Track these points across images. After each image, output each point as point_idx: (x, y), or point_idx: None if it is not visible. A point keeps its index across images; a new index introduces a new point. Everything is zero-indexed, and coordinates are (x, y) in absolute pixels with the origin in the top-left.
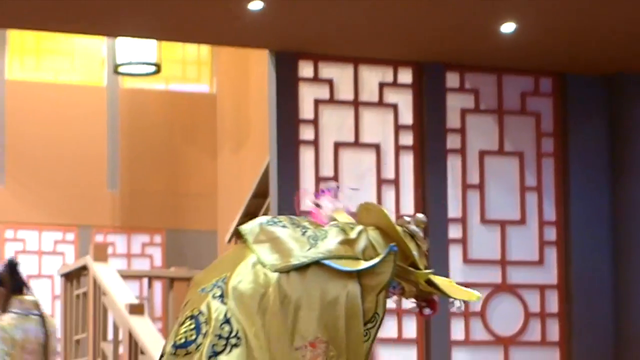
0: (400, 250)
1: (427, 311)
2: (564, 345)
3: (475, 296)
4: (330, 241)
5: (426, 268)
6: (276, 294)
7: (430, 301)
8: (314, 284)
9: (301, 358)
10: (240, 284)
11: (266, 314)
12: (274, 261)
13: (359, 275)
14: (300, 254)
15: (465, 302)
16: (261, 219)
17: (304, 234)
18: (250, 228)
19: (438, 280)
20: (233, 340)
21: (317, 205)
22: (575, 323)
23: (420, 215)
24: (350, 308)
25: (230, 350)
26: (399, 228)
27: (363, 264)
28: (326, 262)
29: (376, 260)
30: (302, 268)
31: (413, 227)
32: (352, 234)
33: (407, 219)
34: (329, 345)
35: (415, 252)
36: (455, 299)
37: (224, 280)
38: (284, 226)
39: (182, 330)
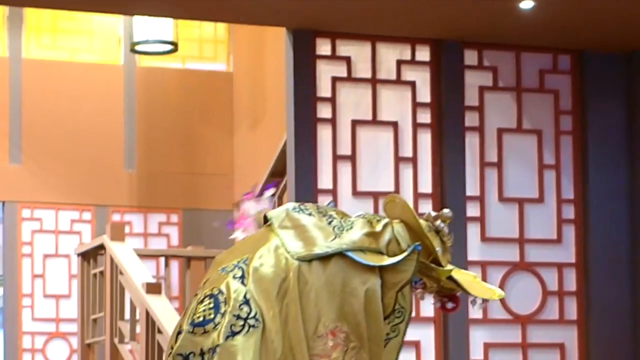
0: (423, 246)
1: (449, 305)
2: (582, 324)
3: (497, 294)
4: (355, 232)
5: (449, 264)
6: (296, 280)
7: (453, 296)
8: (335, 274)
9: (323, 345)
10: (261, 267)
11: (285, 299)
12: (297, 249)
13: (380, 270)
14: (324, 244)
15: (486, 300)
16: (288, 205)
17: (329, 223)
18: (276, 213)
19: (460, 277)
20: (251, 322)
21: (240, 210)
22: (593, 301)
23: (445, 211)
24: (369, 304)
25: (247, 331)
26: (423, 223)
27: (386, 260)
28: (349, 254)
29: (399, 257)
30: (324, 257)
31: (438, 222)
32: (378, 227)
33: (433, 214)
34: (350, 335)
35: (439, 248)
36: (476, 296)
37: (245, 261)
38: (310, 214)
39: (201, 308)
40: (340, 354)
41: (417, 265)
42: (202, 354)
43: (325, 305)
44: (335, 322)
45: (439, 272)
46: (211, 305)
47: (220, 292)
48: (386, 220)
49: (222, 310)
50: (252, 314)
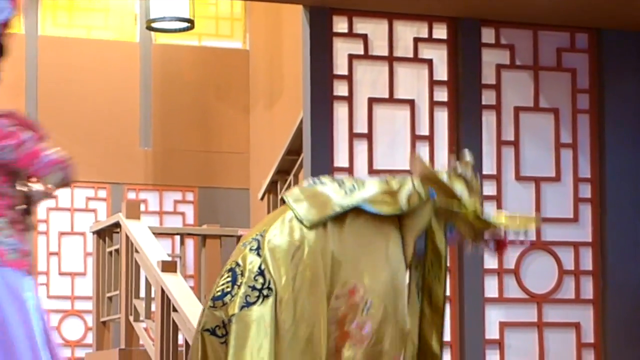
0: (443, 193)
1: (492, 246)
2: (597, 303)
3: (532, 221)
4: (368, 191)
5: (480, 204)
6: (312, 247)
7: (495, 239)
8: (351, 232)
9: (343, 305)
10: (274, 237)
11: (299, 266)
12: (310, 216)
13: (400, 222)
14: (337, 204)
15: (524, 232)
16: (304, 182)
17: (342, 186)
18: (291, 191)
19: (491, 215)
20: (265, 292)
21: None
22: (609, 281)
23: (465, 154)
24: (393, 263)
25: (262, 302)
26: (443, 172)
27: (400, 211)
28: (362, 206)
29: (413, 205)
30: (339, 218)
31: (460, 167)
32: (395, 185)
33: (454, 162)
34: (367, 292)
35: (463, 192)
36: (510, 229)
37: (261, 234)
38: (323, 183)
39: (220, 282)
40: (358, 311)
41: (432, 210)
42: (224, 325)
43: (344, 265)
44: (354, 280)
45: (464, 212)
46: (229, 278)
47: (238, 264)
48: (403, 178)
49: (239, 282)
50: (266, 284)
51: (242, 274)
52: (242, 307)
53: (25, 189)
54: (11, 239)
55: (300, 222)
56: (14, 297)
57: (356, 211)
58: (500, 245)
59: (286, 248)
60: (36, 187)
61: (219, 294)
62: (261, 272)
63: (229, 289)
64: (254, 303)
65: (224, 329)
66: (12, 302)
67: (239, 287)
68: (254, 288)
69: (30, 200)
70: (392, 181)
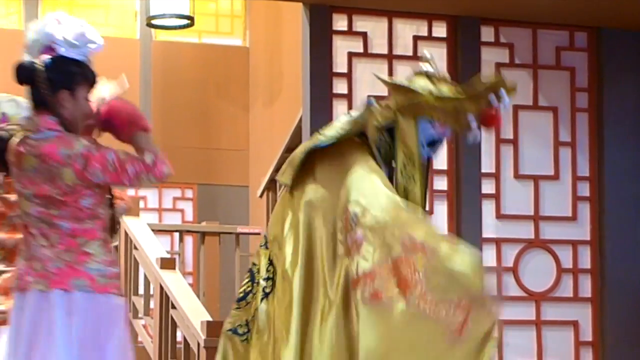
0: (402, 93)
1: (477, 124)
2: (596, 301)
3: (499, 79)
4: (331, 127)
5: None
6: (296, 204)
7: (484, 117)
8: (323, 176)
9: (343, 234)
10: (272, 226)
11: (287, 237)
12: (290, 178)
13: (362, 140)
14: (300, 152)
15: (499, 92)
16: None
17: (311, 138)
18: (280, 169)
19: (448, 94)
20: (277, 278)
21: None
22: (607, 279)
23: (423, 54)
24: (369, 172)
25: (275, 287)
26: (404, 80)
27: (344, 130)
28: (319, 144)
29: (355, 120)
30: (309, 170)
31: (419, 66)
32: (355, 113)
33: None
34: (352, 206)
35: (426, 85)
36: (481, 95)
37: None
38: (302, 143)
39: (242, 284)
40: (349, 228)
41: (372, 115)
42: (247, 323)
43: (337, 204)
44: (344, 207)
45: (424, 99)
46: (248, 279)
47: (254, 264)
48: (364, 102)
49: (257, 280)
50: (275, 271)
51: (259, 272)
52: (262, 299)
53: (111, 210)
54: (101, 265)
55: (289, 190)
56: (106, 321)
57: (319, 153)
58: (490, 120)
59: (280, 229)
60: (121, 204)
61: (241, 295)
62: (270, 262)
63: (249, 288)
64: (270, 292)
65: (246, 327)
66: (105, 326)
67: (258, 284)
68: (268, 279)
69: (115, 219)
70: (353, 111)
